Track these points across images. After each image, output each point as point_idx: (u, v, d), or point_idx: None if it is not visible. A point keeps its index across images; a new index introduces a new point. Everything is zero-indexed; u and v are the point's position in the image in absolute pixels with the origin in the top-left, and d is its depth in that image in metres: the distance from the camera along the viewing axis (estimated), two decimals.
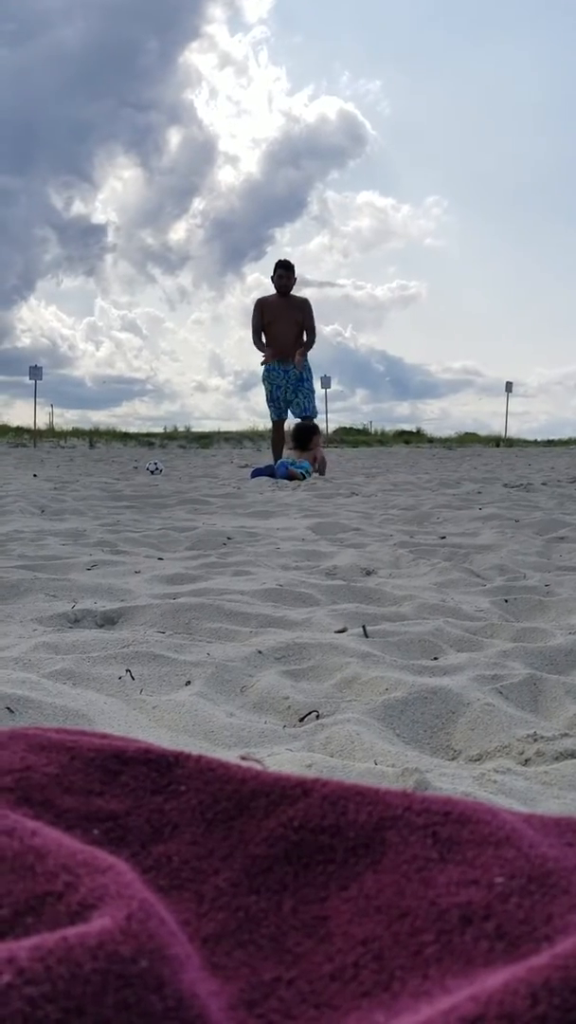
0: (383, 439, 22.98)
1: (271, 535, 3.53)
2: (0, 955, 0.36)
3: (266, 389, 8.77)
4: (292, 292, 8.76)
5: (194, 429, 21.91)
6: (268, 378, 8.68)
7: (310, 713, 1.30)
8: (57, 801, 0.55)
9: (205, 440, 19.34)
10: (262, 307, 8.74)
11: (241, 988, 0.44)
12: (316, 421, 8.98)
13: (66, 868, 0.45)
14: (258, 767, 0.62)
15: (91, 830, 0.54)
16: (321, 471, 8.44)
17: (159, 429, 22.63)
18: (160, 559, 2.83)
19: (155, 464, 8.92)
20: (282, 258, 8.77)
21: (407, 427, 25.71)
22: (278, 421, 8.88)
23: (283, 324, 8.64)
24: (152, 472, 8.54)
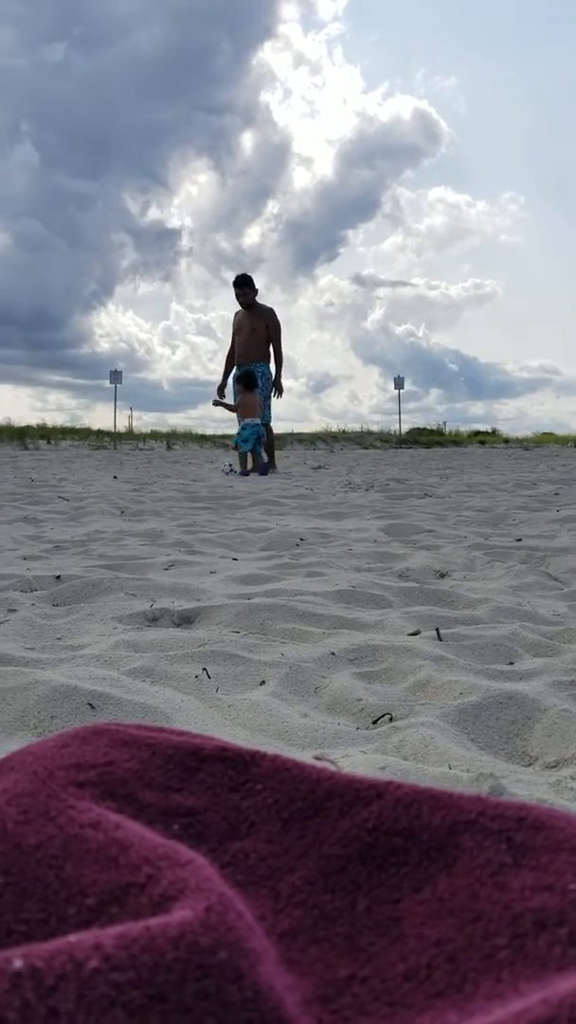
0: (457, 439, 22.73)
1: (344, 536, 3.53)
2: (87, 942, 0.38)
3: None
4: (259, 301, 9.17)
5: None
6: (233, 387, 9.26)
7: (383, 715, 1.31)
8: (138, 796, 0.57)
9: (279, 442, 19.43)
10: (234, 321, 9.25)
11: (316, 984, 0.45)
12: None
13: (148, 861, 0.47)
14: (332, 768, 0.62)
15: (171, 825, 0.56)
16: (269, 455, 8.75)
17: (234, 431, 22.83)
18: (235, 559, 2.87)
19: (229, 465, 9.09)
20: (239, 273, 9.11)
21: (482, 427, 25.39)
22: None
23: (244, 334, 9.09)
24: (227, 473, 8.70)
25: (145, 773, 0.60)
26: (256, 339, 9.04)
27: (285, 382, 9.36)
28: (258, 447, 8.79)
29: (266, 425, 9.19)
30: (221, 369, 9.51)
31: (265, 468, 8.82)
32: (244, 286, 9.01)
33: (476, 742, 1.22)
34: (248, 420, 8.69)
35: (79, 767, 0.58)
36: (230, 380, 9.33)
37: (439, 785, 0.97)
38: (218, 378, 9.49)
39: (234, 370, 9.21)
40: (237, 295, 9.05)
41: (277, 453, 10.33)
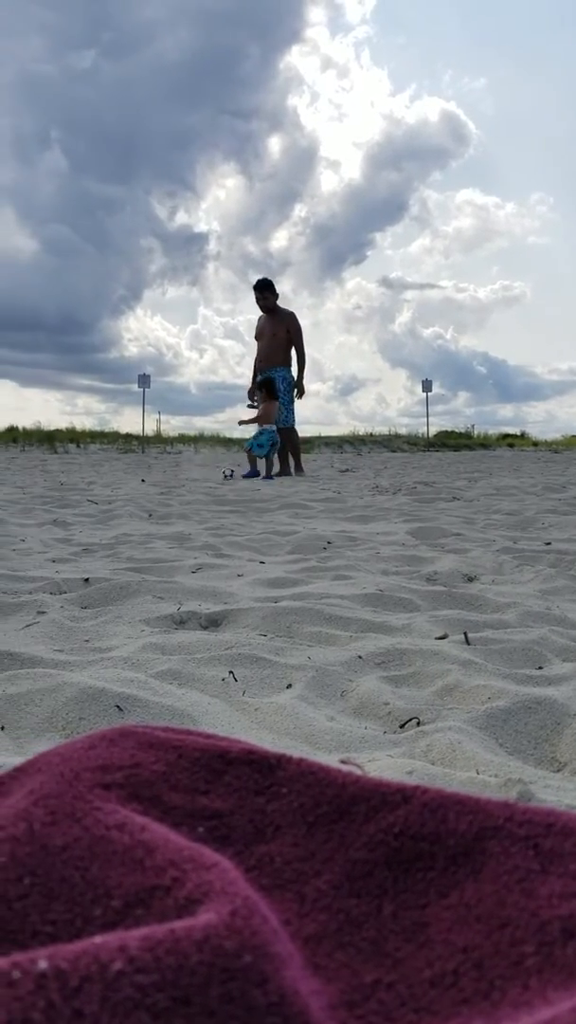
0: (486, 442, 22.61)
1: (371, 539, 3.52)
2: (112, 944, 0.38)
3: None
4: (279, 305, 9.18)
5: None
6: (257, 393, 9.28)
7: (411, 719, 1.30)
8: (164, 798, 0.57)
9: (306, 445, 19.43)
10: (256, 326, 9.27)
11: (341, 989, 0.45)
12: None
13: (173, 863, 0.47)
14: (358, 772, 0.62)
15: (196, 828, 0.56)
16: (296, 458, 8.87)
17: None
18: (262, 563, 2.87)
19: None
20: (259, 278, 9.09)
21: (511, 430, 25.26)
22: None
23: (266, 339, 9.11)
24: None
25: (171, 775, 0.60)
26: (277, 343, 9.06)
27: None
28: (272, 453, 8.87)
29: (291, 428, 9.22)
30: (249, 373, 9.55)
31: (271, 472, 8.88)
32: (264, 290, 9.01)
33: (504, 747, 1.21)
34: (265, 427, 8.77)
35: (106, 769, 0.58)
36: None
37: (466, 790, 0.96)
38: (246, 382, 9.53)
39: (262, 373, 9.25)
40: (257, 299, 9.06)
41: (305, 456, 10.35)
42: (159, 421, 23.82)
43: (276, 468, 9.01)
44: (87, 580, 2.36)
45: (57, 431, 19.63)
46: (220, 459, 14.74)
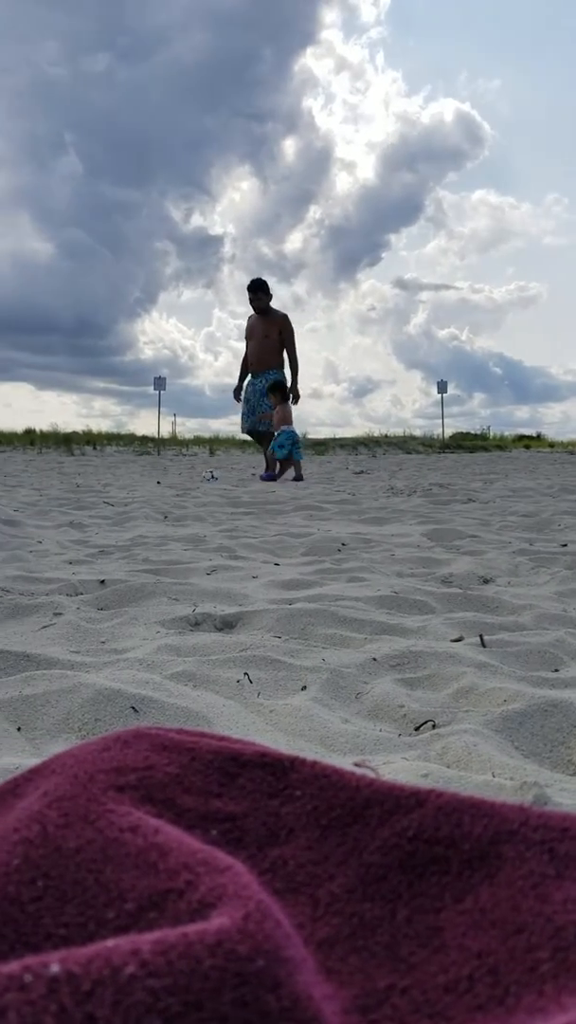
0: (501, 444, 22.53)
1: (386, 541, 3.51)
2: (125, 947, 0.38)
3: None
4: (272, 306, 9.04)
5: (310, 436, 22.08)
6: (245, 390, 9.14)
7: (426, 722, 1.29)
8: (178, 800, 0.57)
9: (320, 447, 19.43)
10: (246, 325, 9.16)
11: (355, 994, 0.44)
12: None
13: (187, 866, 0.47)
14: (372, 775, 0.62)
15: (209, 830, 0.56)
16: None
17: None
18: (277, 564, 2.87)
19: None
20: (253, 278, 8.93)
21: (527, 431, 25.20)
22: (249, 431, 9.27)
23: (257, 340, 8.97)
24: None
25: (185, 778, 0.60)
26: (269, 346, 8.90)
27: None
28: (295, 450, 8.81)
29: (272, 434, 9.12)
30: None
31: (274, 471, 8.83)
32: (258, 291, 8.85)
33: (520, 750, 1.20)
34: (284, 428, 8.74)
35: (119, 771, 0.58)
36: (246, 386, 9.22)
37: (482, 793, 0.96)
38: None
39: (248, 378, 9.10)
40: (251, 300, 8.89)
41: (319, 459, 10.31)
42: (175, 423, 23.94)
43: (289, 474, 8.96)
44: (103, 582, 2.37)
45: (73, 433, 19.74)
46: (235, 461, 14.76)
